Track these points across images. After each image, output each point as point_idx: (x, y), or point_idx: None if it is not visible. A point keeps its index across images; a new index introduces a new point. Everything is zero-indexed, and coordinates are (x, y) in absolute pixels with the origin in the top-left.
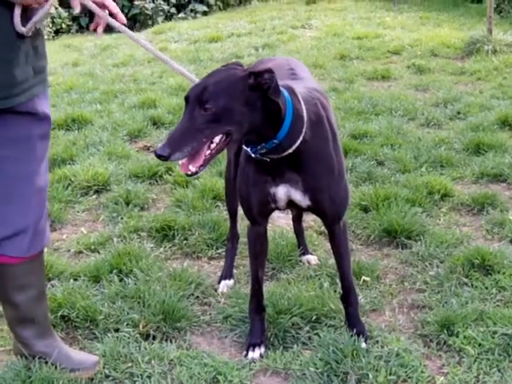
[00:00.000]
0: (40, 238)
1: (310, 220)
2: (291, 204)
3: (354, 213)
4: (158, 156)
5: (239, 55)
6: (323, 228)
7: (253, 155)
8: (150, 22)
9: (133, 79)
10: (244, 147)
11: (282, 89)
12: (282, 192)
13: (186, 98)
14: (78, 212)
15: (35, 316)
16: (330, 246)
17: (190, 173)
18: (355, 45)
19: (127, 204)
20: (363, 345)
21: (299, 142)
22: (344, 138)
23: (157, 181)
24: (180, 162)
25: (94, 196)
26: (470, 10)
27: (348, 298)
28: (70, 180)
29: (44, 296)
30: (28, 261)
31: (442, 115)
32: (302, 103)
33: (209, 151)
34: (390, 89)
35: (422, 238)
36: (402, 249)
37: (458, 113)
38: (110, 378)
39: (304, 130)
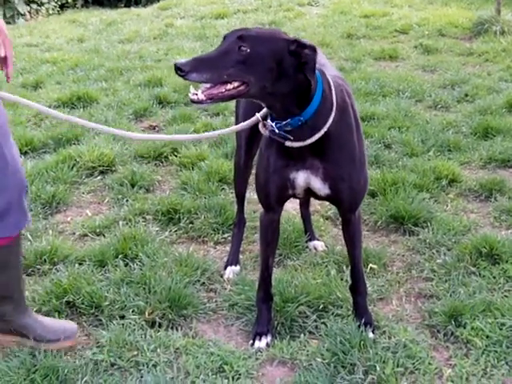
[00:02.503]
0: (19, 219)
1: (317, 204)
2: (309, 192)
3: None
4: (177, 68)
5: None
6: (330, 213)
7: (276, 130)
8: None
9: (138, 56)
10: (267, 124)
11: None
12: (301, 178)
13: (225, 37)
14: (82, 193)
15: (14, 293)
16: (336, 232)
17: (195, 99)
18: (362, 23)
19: (132, 186)
20: (370, 335)
21: (328, 125)
22: None
23: (162, 162)
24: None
25: (99, 177)
26: None
27: (357, 287)
28: (75, 160)
29: (21, 273)
30: (9, 242)
31: (449, 97)
32: (333, 88)
33: (223, 89)
34: (397, 69)
35: (429, 224)
36: (410, 235)
37: (466, 95)
38: (115, 367)
39: (333, 114)
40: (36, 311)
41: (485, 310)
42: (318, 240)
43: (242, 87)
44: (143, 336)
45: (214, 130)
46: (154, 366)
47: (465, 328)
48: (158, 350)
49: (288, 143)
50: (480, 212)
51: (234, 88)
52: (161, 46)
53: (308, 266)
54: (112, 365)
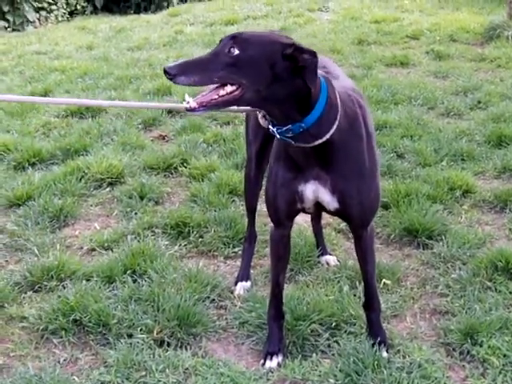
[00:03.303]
0: None
1: (329, 217)
2: (319, 206)
3: None
4: (165, 71)
5: None
6: (342, 225)
7: (278, 136)
8: (165, 4)
9: (148, 64)
10: (271, 128)
11: (319, 75)
12: (309, 191)
13: (221, 40)
14: (91, 206)
15: None
16: (349, 245)
17: (188, 107)
18: (373, 29)
19: (141, 198)
20: (384, 354)
21: (331, 132)
22: None
23: (172, 173)
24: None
25: (108, 189)
26: None
27: (371, 304)
28: (84, 172)
29: None
30: None
31: (462, 104)
32: (338, 96)
33: (216, 96)
34: (409, 76)
35: (443, 237)
36: (424, 249)
37: (479, 102)
38: None
39: (337, 122)
40: (42, 330)
41: (501, 328)
42: (330, 254)
43: (235, 92)
44: (151, 356)
45: (224, 140)
46: None
47: (481, 346)
48: (167, 370)
49: (294, 145)
50: (495, 224)
51: (227, 94)
52: (170, 53)
53: (320, 282)
54: None
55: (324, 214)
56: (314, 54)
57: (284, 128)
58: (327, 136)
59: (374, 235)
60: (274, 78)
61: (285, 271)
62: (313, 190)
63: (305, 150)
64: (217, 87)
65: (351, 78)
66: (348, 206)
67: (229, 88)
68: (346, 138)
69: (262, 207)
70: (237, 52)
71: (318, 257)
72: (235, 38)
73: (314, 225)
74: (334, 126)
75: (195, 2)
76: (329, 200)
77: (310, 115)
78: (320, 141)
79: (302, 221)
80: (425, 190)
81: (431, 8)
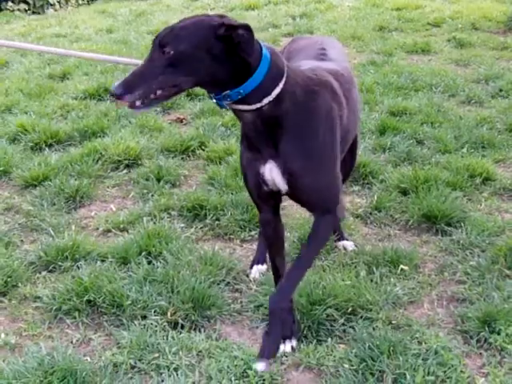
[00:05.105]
0: None
1: (347, 202)
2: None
3: (393, 195)
4: (111, 94)
5: (276, 24)
6: (360, 211)
7: (214, 100)
8: None
9: None
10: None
11: (263, 47)
12: (268, 171)
13: (153, 41)
14: (107, 187)
15: None
16: (367, 231)
17: (126, 105)
18: (394, 16)
19: (158, 180)
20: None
21: (268, 100)
22: (382, 114)
23: (189, 156)
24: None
25: (125, 171)
26: None
27: (280, 298)
28: (101, 154)
29: None
30: None
31: (483, 92)
32: (291, 73)
33: (153, 95)
34: (429, 63)
35: (462, 224)
36: (442, 236)
37: (500, 90)
38: (136, 370)
39: (276, 92)
40: (55, 310)
41: None
42: (347, 240)
43: (175, 88)
44: (165, 338)
45: None
46: (176, 369)
47: (499, 334)
48: (180, 352)
49: (234, 106)
50: None
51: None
52: None
53: (337, 267)
54: (132, 367)
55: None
56: (247, 28)
57: (222, 94)
58: (265, 101)
59: (331, 228)
60: (212, 62)
61: (281, 255)
62: (270, 171)
63: (256, 128)
64: None
65: (371, 65)
66: (295, 189)
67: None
68: (297, 117)
69: None
70: (170, 51)
71: (335, 242)
72: (165, 37)
73: None
74: (273, 95)
75: None
76: (280, 181)
77: (248, 82)
78: (257, 105)
79: None
80: (444, 177)
81: None
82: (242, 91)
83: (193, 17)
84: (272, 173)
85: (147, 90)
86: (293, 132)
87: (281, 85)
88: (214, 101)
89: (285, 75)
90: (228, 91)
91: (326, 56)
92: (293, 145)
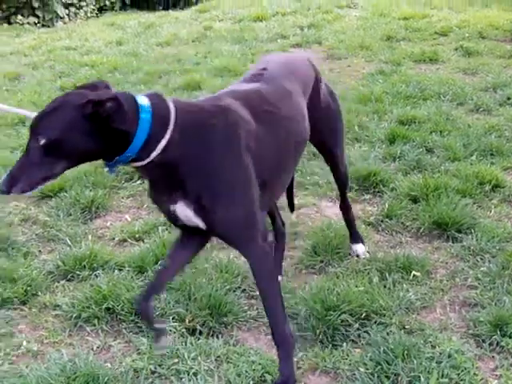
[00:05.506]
0: None
1: (358, 210)
2: None
3: (404, 203)
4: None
5: (284, 35)
6: (371, 218)
7: (109, 170)
8: (194, 0)
9: (177, 59)
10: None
11: (142, 101)
12: (179, 211)
13: (29, 128)
14: (122, 198)
15: None
16: (379, 238)
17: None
18: (402, 25)
19: None
20: None
21: (156, 152)
22: (392, 123)
23: None
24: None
25: (139, 182)
26: None
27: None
28: None
29: None
30: None
31: (491, 101)
32: (178, 115)
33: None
34: (437, 72)
35: (472, 231)
36: (453, 242)
37: (508, 98)
38: (156, 375)
39: (164, 143)
40: (75, 318)
41: None
42: (362, 242)
43: (56, 172)
44: (184, 343)
45: None
46: (195, 374)
47: (510, 338)
48: (199, 357)
49: (128, 165)
50: None
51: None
52: (199, 48)
53: (350, 273)
54: (152, 372)
55: (354, 206)
56: (114, 99)
57: (113, 161)
58: (153, 155)
59: (265, 256)
60: (87, 141)
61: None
62: (182, 211)
63: (158, 177)
64: None
65: (380, 74)
66: (211, 225)
67: None
68: (194, 156)
69: (285, 201)
70: (42, 140)
71: (350, 243)
72: (36, 125)
73: (343, 215)
74: (158, 149)
75: None
76: (195, 220)
77: (132, 146)
78: (148, 160)
79: (332, 213)
80: (454, 184)
81: (460, 4)
82: (129, 154)
83: (58, 98)
84: (185, 212)
85: (28, 183)
86: (194, 172)
87: (167, 136)
88: (107, 169)
89: (171, 123)
90: (117, 157)
91: (262, 76)
92: (198, 184)
